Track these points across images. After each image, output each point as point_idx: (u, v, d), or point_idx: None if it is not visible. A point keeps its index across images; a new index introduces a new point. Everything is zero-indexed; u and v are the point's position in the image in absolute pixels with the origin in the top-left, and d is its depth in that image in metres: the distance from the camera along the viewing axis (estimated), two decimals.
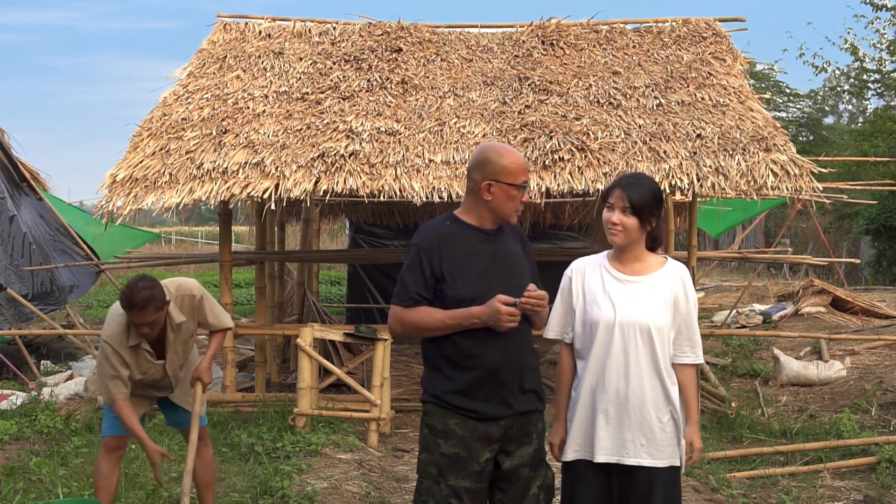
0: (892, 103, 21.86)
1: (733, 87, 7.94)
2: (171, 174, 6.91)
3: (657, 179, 6.62)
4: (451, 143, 7.17)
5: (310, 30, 8.99)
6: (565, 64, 8.36)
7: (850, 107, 34.00)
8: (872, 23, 20.59)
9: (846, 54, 25.77)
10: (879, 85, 21.44)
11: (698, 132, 7.22)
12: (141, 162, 7.08)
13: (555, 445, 3.24)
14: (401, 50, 8.49)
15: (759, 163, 6.88)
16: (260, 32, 8.93)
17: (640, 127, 7.32)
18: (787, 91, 26.53)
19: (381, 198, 6.76)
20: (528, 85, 7.95)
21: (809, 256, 12.10)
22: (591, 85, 7.92)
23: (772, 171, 6.81)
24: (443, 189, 6.72)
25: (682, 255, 8.03)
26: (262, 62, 8.35)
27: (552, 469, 3.28)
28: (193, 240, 29.78)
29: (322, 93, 7.87)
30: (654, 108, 7.60)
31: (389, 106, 7.66)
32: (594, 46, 8.66)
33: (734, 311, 11.33)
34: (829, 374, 8.13)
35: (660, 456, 3.08)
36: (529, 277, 3.14)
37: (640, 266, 3.15)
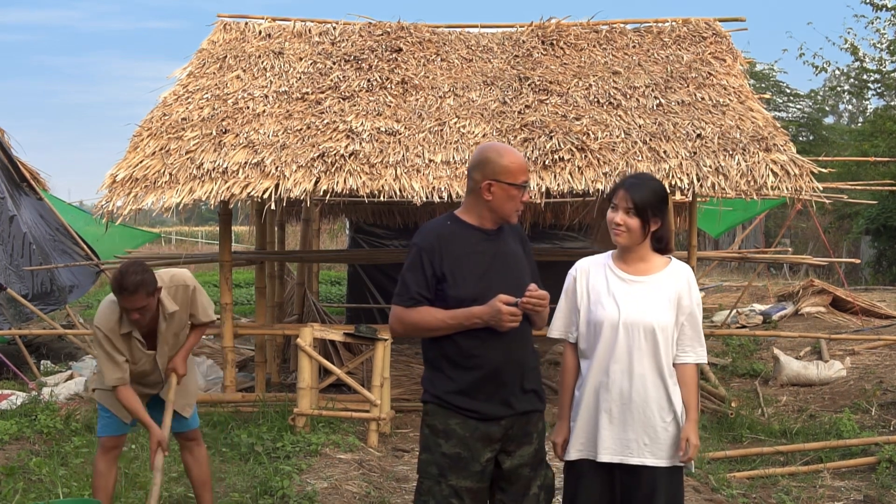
0: (892, 103, 21.87)
1: (733, 87, 7.94)
2: (171, 174, 6.91)
3: None
4: (451, 143, 7.17)
5: (310, 30, 8.99)
6: (565, 64, 8.36)
7: (850, 107, 34.03)
8: (872, 23, 20.64)
9: (846, 54, 25.81)
10: (879, 85, 21.45)
11: (698, 132, 7.22)
12: (141, 162, 7.08)
13: (557, 444, 3.25)
14: (401, 50, 8.49)
15: (759, 163, 6.88)
16: (260, 32, 8.93)
17: (640, 127, 7.32)
18: (787, 91, 26.56)
19: (381, 198, 6.76)
20: (528, 85, 7.95)
21: (809, 256, 12.10)
22: (591, 85, 7.92)
23: (772, 171, 6.81)
24: (443, 189, 6.72)
25: (682, 255, 8.02)
26: (262, 62, 8.35)
27: (552, 469, 3.28)
28: (193, 240, 29.77)
29: (322, 93, 7.87)
30: (654, 108, 7.61)
31: (389, 106, 7.66)
32: (594, 46, 8.66)
33: (734, 311, 11.33)
34: (829, 374, 8.13)
35: (663, 456, 3.09)
36: (530, 277, 3.14)
37: (645, 266, 3.15)
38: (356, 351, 8.29)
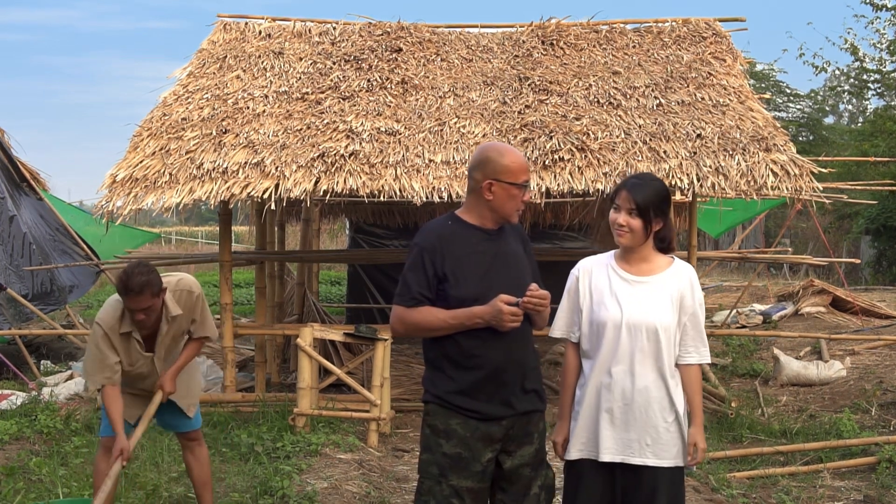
0: (892, 103, 21.87)
1: (733, 87, 7.94)
2: (171, 174, 6.91)
3: None
4: (451, 143, 7.17)
5: (310, 30, 8.98)
6: (565, 64, 8.36)
7: (850, 107, 34.04)
8: (872, 23, 20.63)
9: (846, 54, 25.80)
10: (879, 85, 21.45)
11: (698, 132, 7.23)
12: (141, 162, 7.08)
13: (558, 444, 3.25)
14: (401, 50, 8.49)
15: (759, 163, 6.89)
16: (260, 32, 8.93)
17: (640, 127, 7.32)
18: (787, 91, 26.57)
19: (381, 198, 6.76)
20: (528, 85, 7.95)
21: (809, 256, 12.10)
22: (591, 85, 7.92)
23: (772, 171, 6.81)
24: (443, 189, 6.72)
25: (682, 255, 8.03)
26: (262, 62, 8.35)
27: (553, 469, 3.28)
28: (193, 240, 29.78)
29: (322, 93, 7.86)
30: (654, 108, 7.61)
31: (389, 106, 7.66)
32: (594, 46, 8.66)
33: (734, 311, 11.33)
34: (829, 374, 8.13)
35: (665, 456, 3.09)
36: (531, 277, 3.14)
37: (648, 266, 3.15)
38: (356, 351, 8.29)
